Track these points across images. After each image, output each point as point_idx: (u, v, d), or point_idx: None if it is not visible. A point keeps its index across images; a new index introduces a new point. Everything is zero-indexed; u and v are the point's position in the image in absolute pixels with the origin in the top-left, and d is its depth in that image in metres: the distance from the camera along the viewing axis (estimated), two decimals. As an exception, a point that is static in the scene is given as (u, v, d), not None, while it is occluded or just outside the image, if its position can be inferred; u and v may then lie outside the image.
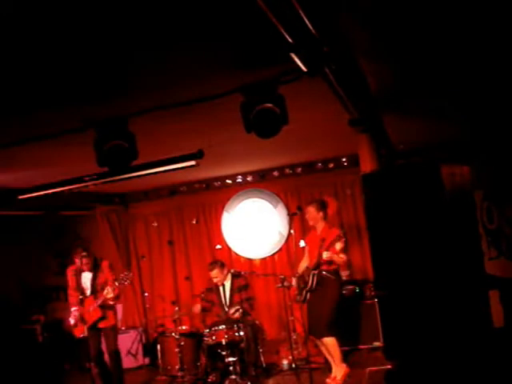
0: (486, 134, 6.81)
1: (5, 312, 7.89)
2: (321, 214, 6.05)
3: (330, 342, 5.80)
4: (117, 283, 5.90)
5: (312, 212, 6.06)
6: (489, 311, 3.77)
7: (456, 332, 3.42)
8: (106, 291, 5.85)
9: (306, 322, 6.19)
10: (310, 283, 5.86)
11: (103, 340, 6.12)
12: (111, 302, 6.01)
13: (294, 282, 6.25)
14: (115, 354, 6.12)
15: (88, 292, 6.11)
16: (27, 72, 2.99)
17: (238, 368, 5.94)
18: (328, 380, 5.90)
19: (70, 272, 6.23)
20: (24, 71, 2.97)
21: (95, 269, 6.15)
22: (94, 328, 5.96)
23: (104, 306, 6.00)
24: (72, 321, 6.01)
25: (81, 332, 5.95)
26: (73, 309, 6.05)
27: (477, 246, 3.94)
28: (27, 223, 8.31)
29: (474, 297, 3.59)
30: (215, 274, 6.78)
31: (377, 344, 6.80)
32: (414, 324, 3.53)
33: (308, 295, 5.92)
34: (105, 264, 6.21)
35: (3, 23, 2.31)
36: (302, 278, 6.01)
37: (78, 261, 6.10)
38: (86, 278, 6.14)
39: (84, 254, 6.08)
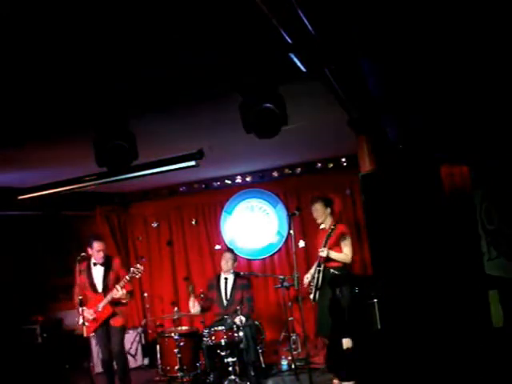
0: (486, 134, 6.81)
1: (5, 312, 7.88)
2: (328, 209, 6.07)
3: (344, 343, 5.71)
4: (128, 277, 5.74)
5: (320, 209, 6.04)
6: (488, 311, 3.77)
7: (455, 332, 3.43)
8: (114, 290, 5.73)
9: (316, 322, 6.08)
10: (315, 280, 5.84)
11: (111, 340, 5.94)
12: (124, 300, 5.92)
13: (306, 280, 6.14)
14: (121, 355, 6.04)
15: (100, 288, 5.92)
16: (27, 72, 3.00)
17: (237, 368, 5.94)
18: (335, 381, 5.84)
19: (80, 267, 5.89)
20: (24, 71, 2.98)
21: (107, 264, 5.97)
22: (103, 326, 5.86)
23: (116, 303, 5.87)
24: (80, 320, 5.69)
25: (91, 330, 5.81)
26: (81, 308, 5.72)
27: (476, 247, 3.95)
28: (27, 223, 8.31)
29: (473, 297, 3.60)
30: (228, 257, 6.75)
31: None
32: (412, 324, 3.54)
33: (317, 294, 5.86)
34: (116, 261, 6.09)
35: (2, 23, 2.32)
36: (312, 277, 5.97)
37: (91, 252, 5.85)
38: (98, 272, 5.95)
39: (102, 244, 5.90)
